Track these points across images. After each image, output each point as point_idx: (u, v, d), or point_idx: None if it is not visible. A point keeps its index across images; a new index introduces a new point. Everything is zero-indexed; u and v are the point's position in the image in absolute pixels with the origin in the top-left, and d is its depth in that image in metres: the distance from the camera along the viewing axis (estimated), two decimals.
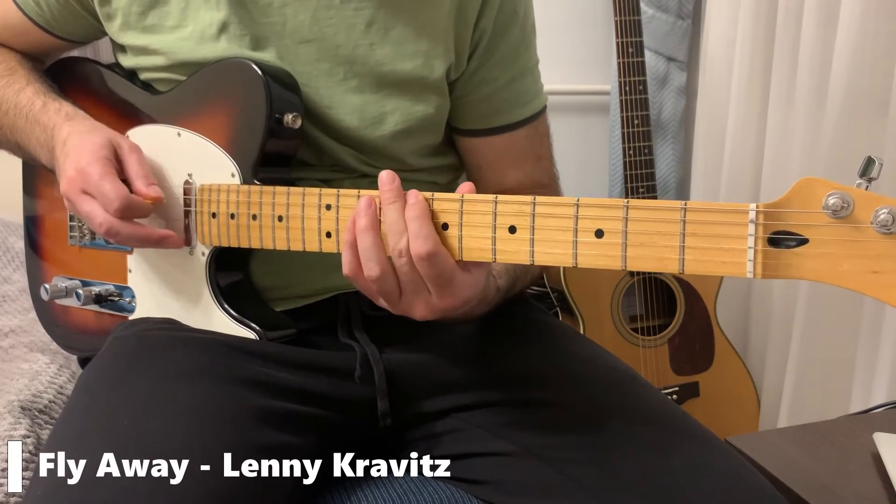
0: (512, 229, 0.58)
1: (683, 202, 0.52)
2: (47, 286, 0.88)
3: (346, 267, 0.63)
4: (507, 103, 0.85)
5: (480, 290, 0.64)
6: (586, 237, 0.55)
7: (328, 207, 0.67)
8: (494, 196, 0.58)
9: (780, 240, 0.49)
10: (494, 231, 0.59)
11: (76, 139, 0.75)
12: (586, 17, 1.88)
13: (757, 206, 0.50)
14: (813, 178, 0.48)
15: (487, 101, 0.84)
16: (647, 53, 1.71)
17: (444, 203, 0.61)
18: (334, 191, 0.66)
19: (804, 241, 0.49)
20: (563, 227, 0.56)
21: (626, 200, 0.54)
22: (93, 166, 0.71)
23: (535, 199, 0.57)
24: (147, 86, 0.84)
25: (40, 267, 0.96)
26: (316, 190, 0.68)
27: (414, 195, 0.60)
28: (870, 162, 0.47)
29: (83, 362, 0.95)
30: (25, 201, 0.97)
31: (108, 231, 0.71)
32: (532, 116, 0.87)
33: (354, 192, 0.65)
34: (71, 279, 0.90)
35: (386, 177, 0.61)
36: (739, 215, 0.50)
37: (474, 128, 0.86)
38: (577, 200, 0.55)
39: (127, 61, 0.84)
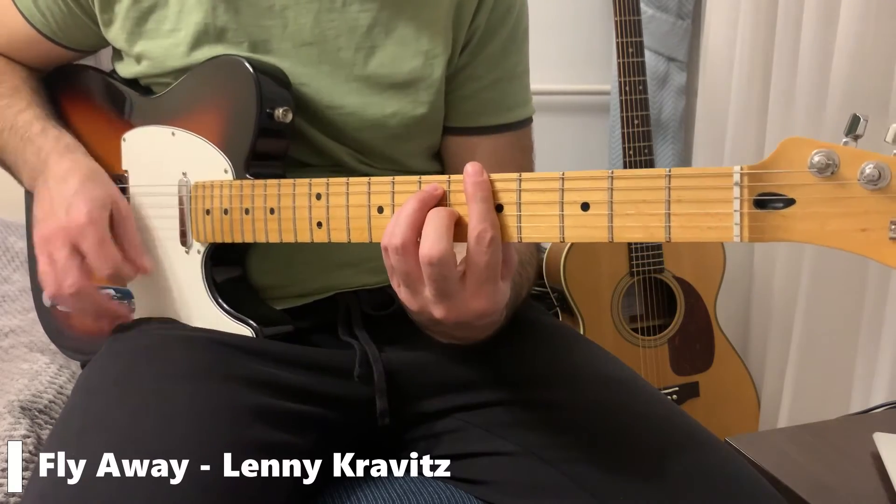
0: (499, 208, 0.58)
1: (668, 169, 0.51)
2: None
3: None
4: (491, 104, 0.84)
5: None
6: (572, 210, 0.55)
7: (318, 197, 0.67)
8: None
9: (766, 201, 0.48)
10: None
11: (76, 184, 0.75)
12: (586, 17, 1.88)
13: (741, 168, 0.49)
14: (798, 138, 0.47)
15: (471, 99, 0.84)
16: (647, 53, 1.71)
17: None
18: (324, 180, 0.66)
19: (791, 202, 0.47)
20: (549, 202, 0.56)
21: (610, 171, 0.53)
22: (92, 227, 0.72)
23: (521, 175, 0.57)
24: (142, 88, 0.84)
25: None
26: (306, 180, 0.68)
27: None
28: (855, 119, 0.46)
29: (83, 363, 0.95)
30: (27, 200, 0.97)
31: (77, 292, 0.73)
32: (515, 124, 0.86)
33: (343, 180, 0.65)
34: None
35: (472, 168, 0.58)
36: (724, 178, 0.49)
37: (457, 125, 0.85)
38: (563, 174, 0.55)
39: (124, 68, 0.84)
